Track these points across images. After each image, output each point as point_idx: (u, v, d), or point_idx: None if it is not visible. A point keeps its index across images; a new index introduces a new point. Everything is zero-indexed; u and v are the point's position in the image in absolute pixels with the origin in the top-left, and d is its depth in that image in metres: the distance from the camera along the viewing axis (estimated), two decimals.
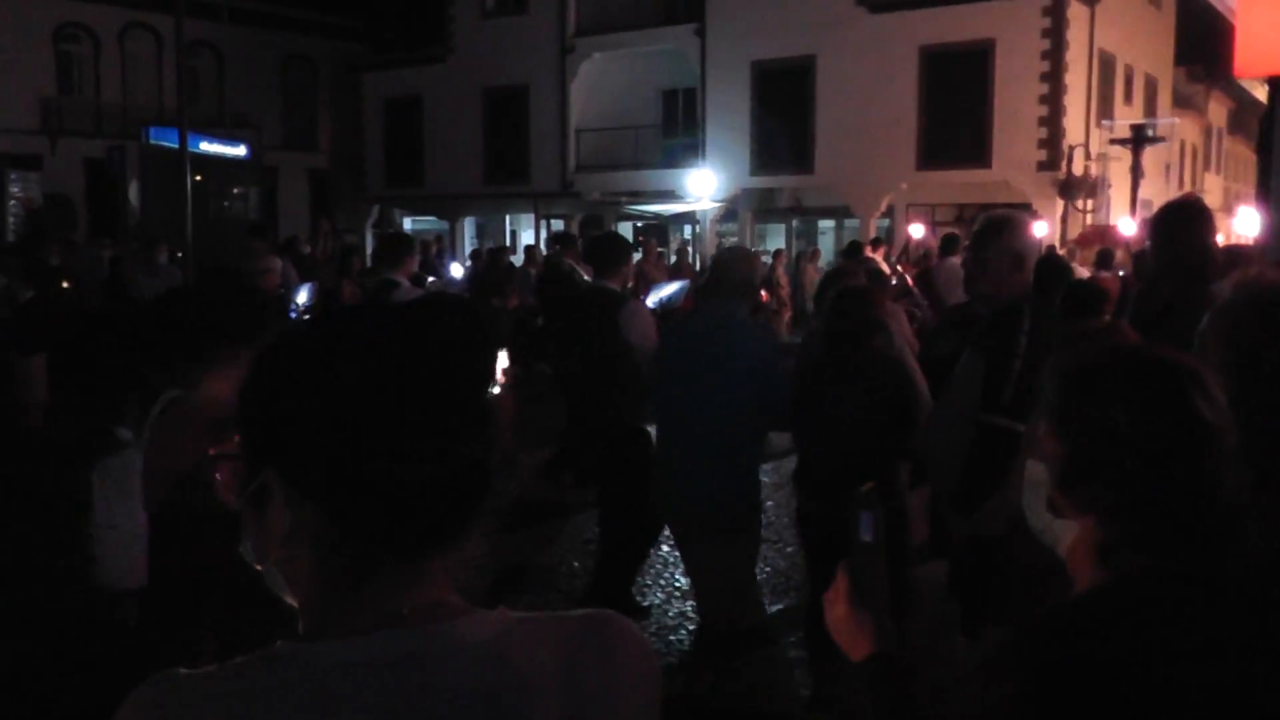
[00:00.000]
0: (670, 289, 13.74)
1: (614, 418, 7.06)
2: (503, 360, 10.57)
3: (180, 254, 17.55)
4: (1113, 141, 31.73)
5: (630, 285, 8.46)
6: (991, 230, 4.84)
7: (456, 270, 16.07)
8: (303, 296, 12.13)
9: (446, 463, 1.31)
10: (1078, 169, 29.93)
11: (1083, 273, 12.28)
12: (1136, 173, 30.40)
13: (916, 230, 23.66)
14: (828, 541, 5.44)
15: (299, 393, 1.32)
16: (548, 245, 21.41)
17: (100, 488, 4.40)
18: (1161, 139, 32.88)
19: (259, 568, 1.43)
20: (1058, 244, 23.67)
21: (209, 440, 2.61)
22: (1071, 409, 1.91)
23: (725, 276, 5.98)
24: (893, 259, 16.77)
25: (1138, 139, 31.01)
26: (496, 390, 4.99)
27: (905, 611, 5.87)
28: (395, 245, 9.82)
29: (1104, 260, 15.46)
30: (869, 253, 16.23)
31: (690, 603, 7.31)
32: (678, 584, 8.07)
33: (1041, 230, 20.91)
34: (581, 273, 10.45)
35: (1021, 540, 2.45)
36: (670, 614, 7.59)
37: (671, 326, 7.38)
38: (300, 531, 1.34)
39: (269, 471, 1.33)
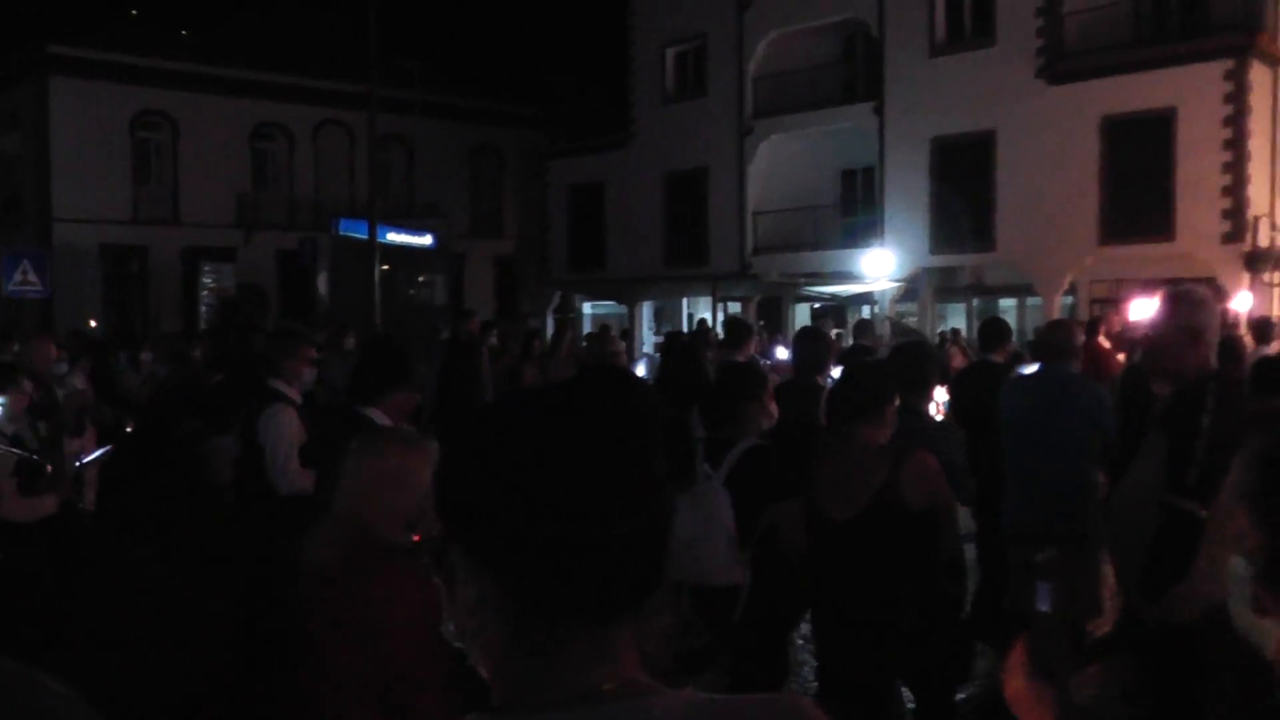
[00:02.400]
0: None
1: None
2: None
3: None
4: None
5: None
6: (1171, 306, 4.87)
7: (781, 352, 15.40)
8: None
9: (614, 530, 1.35)
10: (1264, 240, 28.71)
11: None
12: None
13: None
14: None
15: (473, 467, 1.40)
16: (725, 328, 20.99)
17: None
18: None
19: (458, 644, 1.51)
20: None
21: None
22: (1275, 500, 1.81)
23: (1052, 341, 7.17)
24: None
25: None
26: None
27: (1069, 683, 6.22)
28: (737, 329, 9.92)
29: (1263, 333, 14.24)
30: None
31: None
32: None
33: (1244, 303, 21.30)
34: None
35: (1221, 635, 2.38)
36: None
37: (1019, 384, 7.85)
38: (484, 603, 1.41)
39: (455, 546, 1.42)
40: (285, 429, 6.62)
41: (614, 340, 14.10)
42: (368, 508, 3.80)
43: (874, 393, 5.36)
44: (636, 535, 1.37)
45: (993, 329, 10.35)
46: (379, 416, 5.92)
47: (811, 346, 8.35)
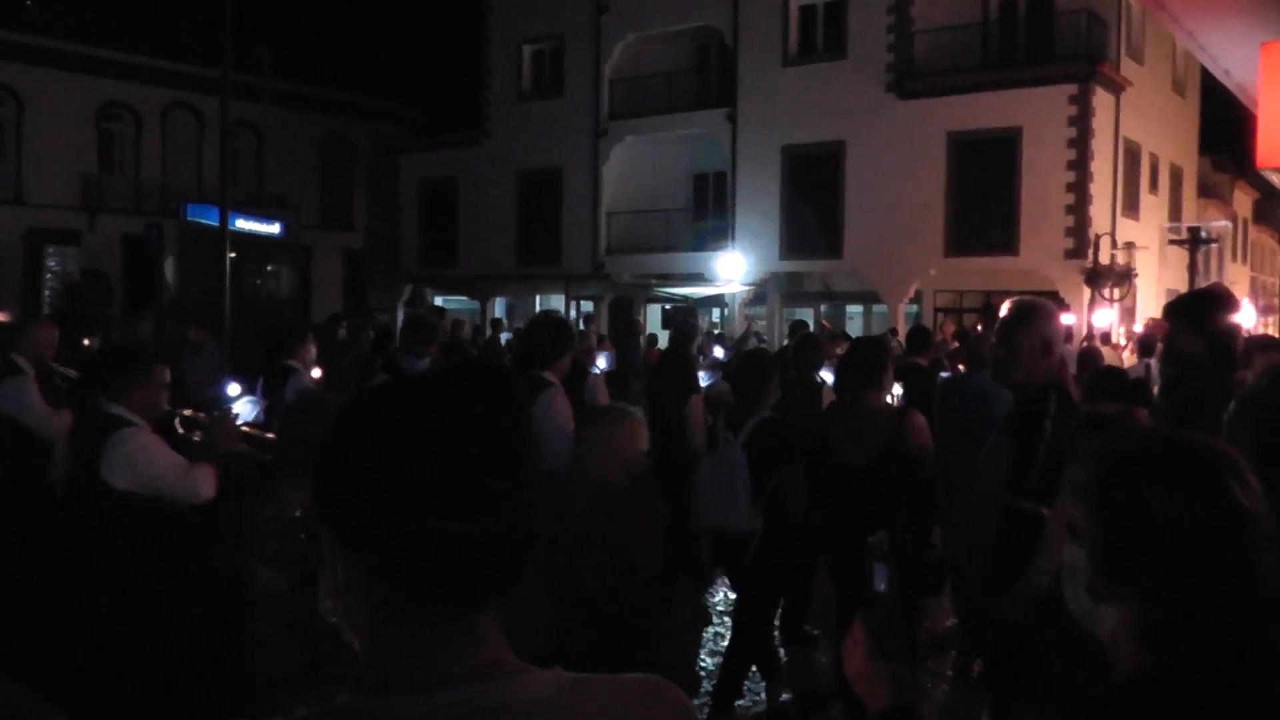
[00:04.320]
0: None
1: None
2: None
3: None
4: (1172, 243, 32.01)
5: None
6: (1021, 317, 4.88)
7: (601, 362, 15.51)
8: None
9: (478, 521, 1.35)
10: (1104, 258, 29.37)
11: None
12: (1194, 270, 30.34)
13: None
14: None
15: (343, 453, 1.40)
16: (585, 325, 21.37)
17: None
18: (1215, 240, 33.02)
19: (332, 620, 1.49)
20: (1084, 333, 23.20)
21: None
22: (1108, 495, 1.87)
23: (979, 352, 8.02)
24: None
25: (1194, 240, 31.18)
26: None
27: (916, 663, 7.16)
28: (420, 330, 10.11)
29: (1146, 348, 15.17)
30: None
31: None
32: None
33: (1068, 320, 21.01)
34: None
35: (1057, 624, 2.46)
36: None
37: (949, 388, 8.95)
38: (353, 586, 1.41)
39: (325, 529, 1.42)
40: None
41: (589, 336, 14.25)
42: (604, 466, 4.70)
43: (877, 363, 6.34)
44: (503, 529, 1.37)
45: (918, 335, 12.17)
46: (551, 377, 6.73)
47: (811, 350, 9.15)
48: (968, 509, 5.11)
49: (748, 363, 7.50)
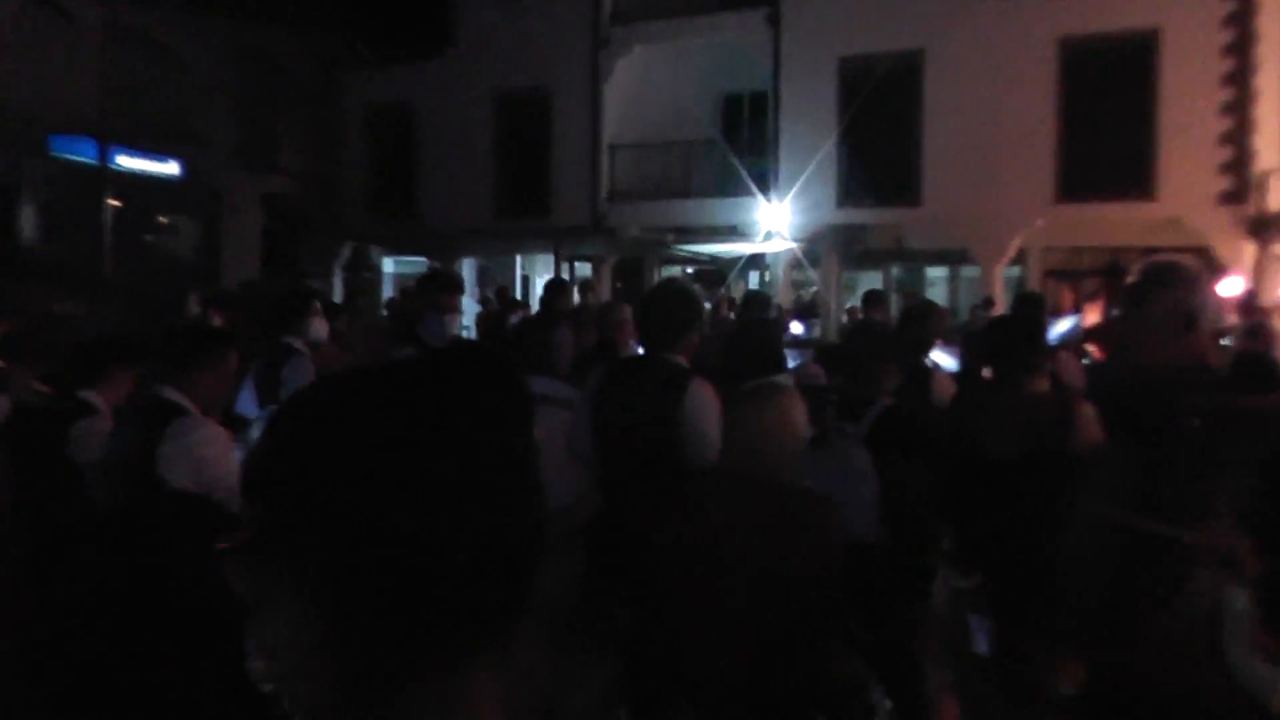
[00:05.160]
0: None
1: None
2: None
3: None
4: None
5: None
6: (1153, 281, 4.43)
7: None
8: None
9: (469, 549, 1.25)
10: (1274, 203, 25.19)
11: None
12: None
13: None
14: None
15: (293, 466, 1.28)
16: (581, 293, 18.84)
17: None
18: None
19: (266, 688, 1.33)
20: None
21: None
22: None
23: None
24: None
25: None
26: None
27: None
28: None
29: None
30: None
31: None
32: None
33: (1234, 287, 18.84)
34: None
35: (1209, 688, 2.32)
36: None
37: None
38: (301, 636, 1.27)
39: (266, 557, 1.28)
40: None
41: (622, 308, 11.35)
42: (758, 458, 4.44)
43: (1037, 346, 6.14)
44: (502, 557, 1.27)
45: (1028, 304, 12.23)
46: (684, 361, 6.46)
47: (920, 326, 8.61)
48: (1077, 531, 4.48)
49: (861, 339, 7.51)
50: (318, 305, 8.82)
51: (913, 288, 29.75)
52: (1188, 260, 4.59)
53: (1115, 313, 10.76)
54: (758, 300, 13.15)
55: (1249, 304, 15.73)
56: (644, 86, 32.46)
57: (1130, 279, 4.53)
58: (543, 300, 12.86)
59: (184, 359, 5.50)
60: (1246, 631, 1.83)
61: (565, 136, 33.38)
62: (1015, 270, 28.92)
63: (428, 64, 35.31)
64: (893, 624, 6.04)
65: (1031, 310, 11.47)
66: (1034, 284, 27.28)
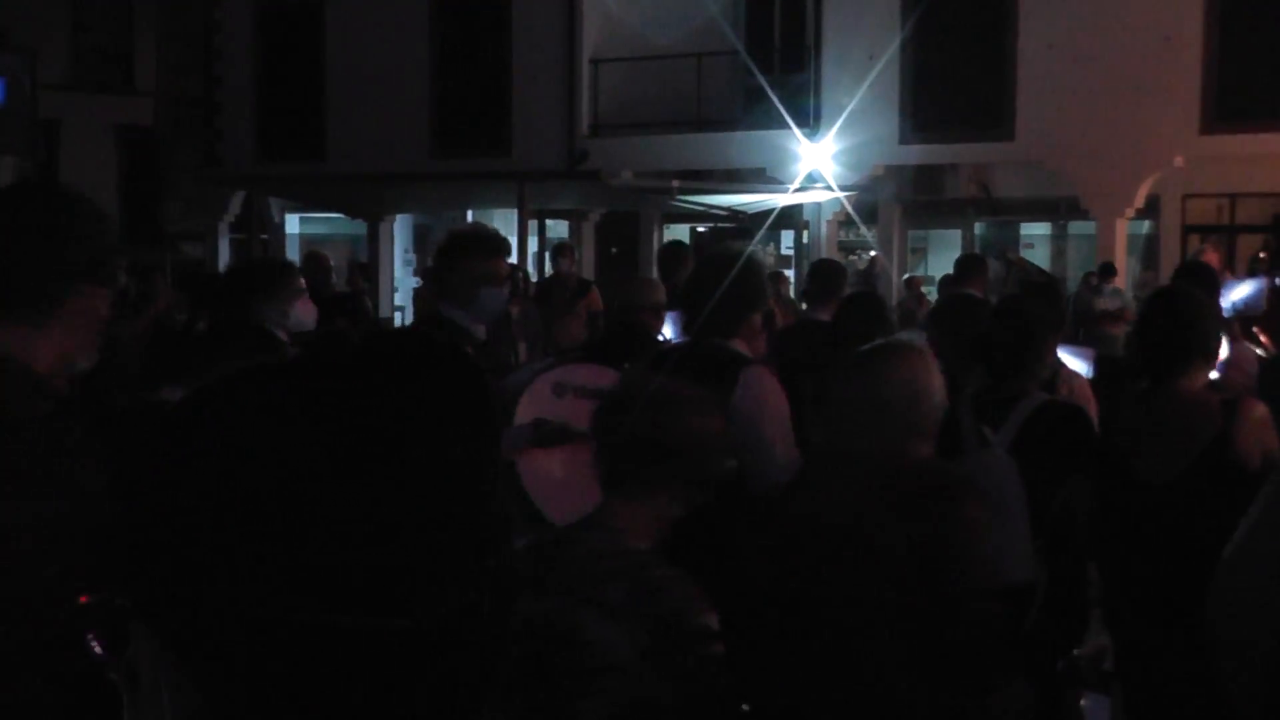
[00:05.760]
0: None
1: None
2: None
3: None
4: None
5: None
6: None
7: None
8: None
9: (406, 613, 1.12)
10: None
11: None
12: None
13: None
14: None
15: (168, 501, 1.16)
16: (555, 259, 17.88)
17: None
18: None
19: None
20: None
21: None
22: None
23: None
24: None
25: None
26: None
27: None
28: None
29: None
30: None
31: None
32: None
33: None
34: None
35: None
36: None
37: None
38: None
39: (140, 628, 1.24)
40: None
41: (654, 286, 10.54)
42: (890, 435, 4.32)
43: (1204, 331, 5.55)
44: (450, 622, 1.15)
45: (1197, 274, 10.22)
46: (743, 348, 6.23)
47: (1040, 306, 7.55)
48: (1237, 592, 4.04)
49: (1007, 314, 6.48)
50: (300, 281, 8.22)
51: (999, 244, 26.95)
52: None
53: None
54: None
55: None
56: None
57: None
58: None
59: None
60: None
61: (530, 48, 28.79)
62: (1144, 225, 26.07)
63: None
64: (1045, 680, 5.54)
65: (1202, 285, 9.03)
66: (1169, 243, 25.15)
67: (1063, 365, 7.53)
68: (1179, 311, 5.40)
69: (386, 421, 1.12)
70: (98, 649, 1.21)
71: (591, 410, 5.23)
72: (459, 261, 7.28)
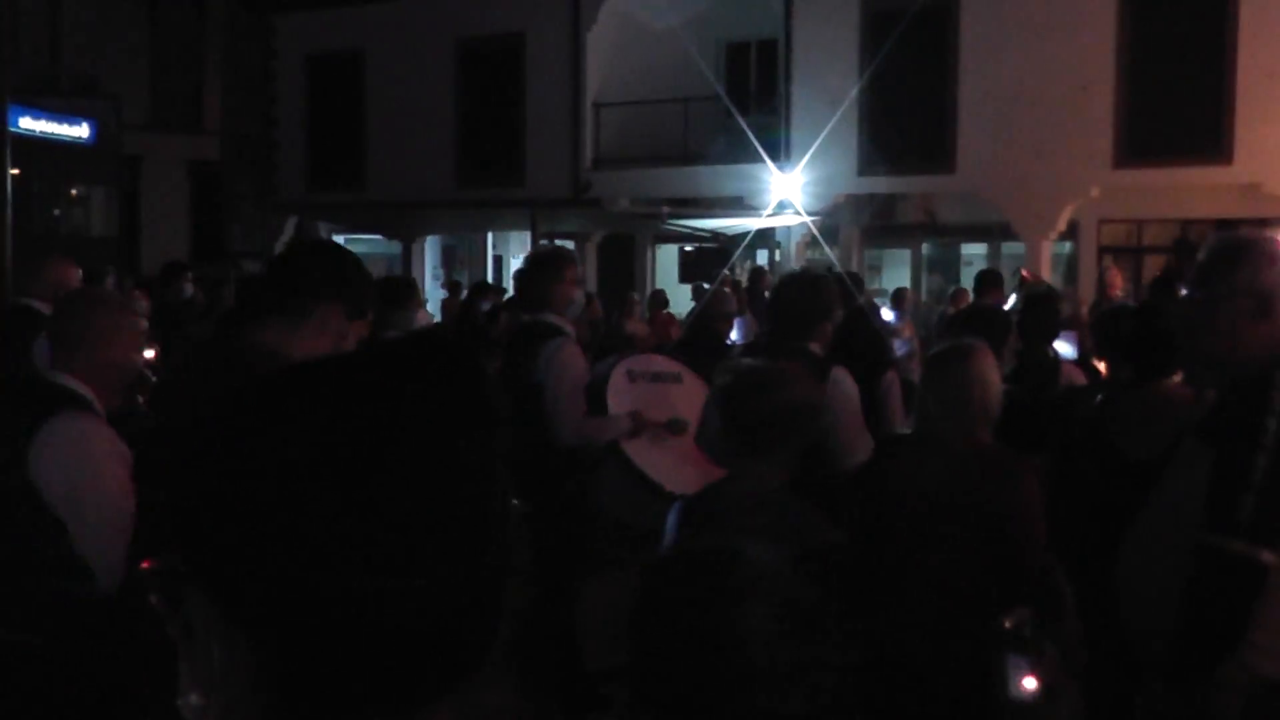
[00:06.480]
0: None
1: None
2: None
3: None
4: None
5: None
6: (1223, 259, 4.22)
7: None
8: None
9: (417, 580, 1.16)
10: None
11: None
12: None
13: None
14: None
15: (213, 481, 1.21)
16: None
17: None
18: None
19: None
20: None
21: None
22: None
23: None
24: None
25: None
26: None
27: None
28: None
29: None
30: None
31: None
32: None
33: None
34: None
35: None
36: None
37: None
38: (231, 676, 1.22)
39: (194, 588, 1.23)
40: None
41: (727, 298, 12.12)
42: (962, 421, 4.79)
43: (1177, 341, 5.54)
44: (454, 590, 1.19)
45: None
46: (818, 350, 6.81)
47: (1044, 314, 8.35)
48: (1140, 551, 4.35)
49: (978, 320, 7.30)
50: (421, 295, 8.56)
51: (941, 264, 29.57)
52: (1260, 236, 4.52)
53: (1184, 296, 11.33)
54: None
55: None
56: (632, 33, 30.10)
57: (1200, 257, 4.41)
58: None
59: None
60: None
61: (541, 92, 31.08)
62: (1066, 246, 27.41)
63: (379, 4, 32.81)
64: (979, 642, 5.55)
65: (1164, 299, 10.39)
66: (1087, 262, 26.11)
67: (1064, 360, 8.40)
68: (1164, 327, 5.80)
69: (399, 412, 1.19)
70: (158, 605, 1.25)
71: (664, 390, 7.02)
72: (552, 272, 8.01)
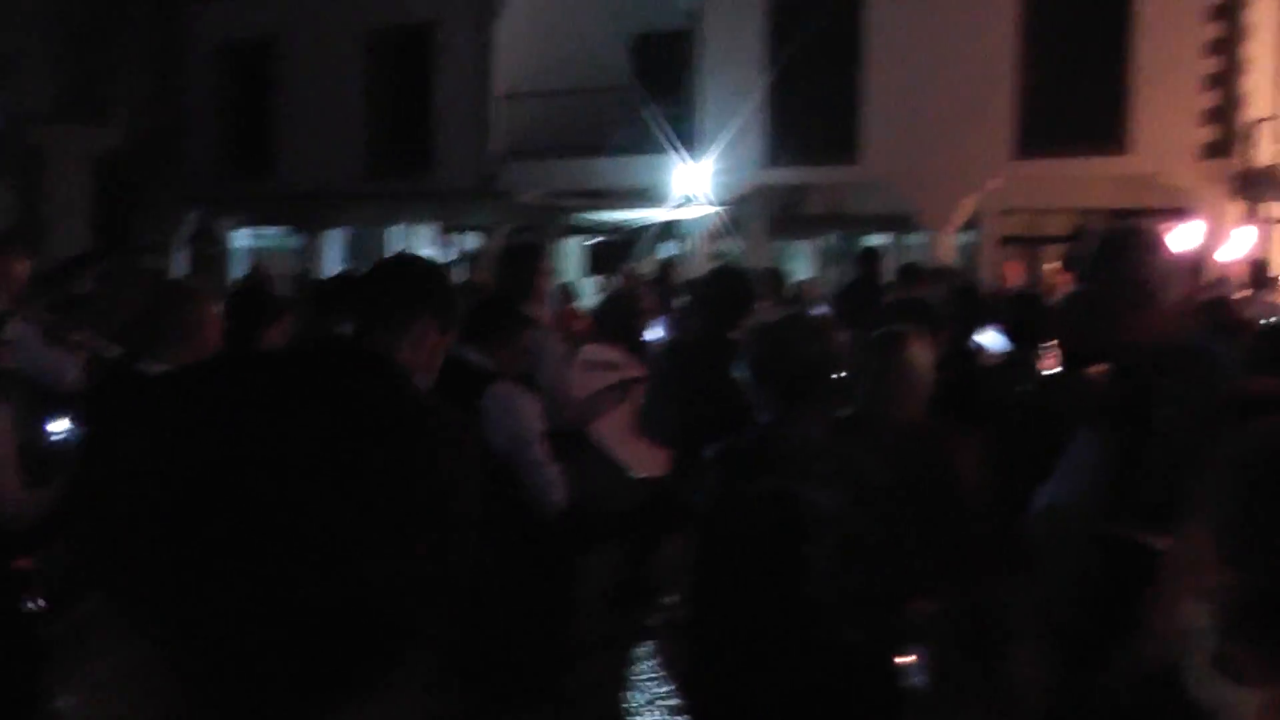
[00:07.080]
0: None
1: None
2: None
3: None
4: None
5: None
6: (1110, 249, 4.55)
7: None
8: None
9: (326, 588, 1.12)
10: (1264, 156, 23.92)
11: None
12: None
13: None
14: None
15: (108, 481, 1.19)
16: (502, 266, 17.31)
17: None
18: None
19: None
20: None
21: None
22: (1260, 523, 1.75)
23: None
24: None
25: None
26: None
27: None
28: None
29: (1258, 277, 14.90)
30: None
31: None
32: None
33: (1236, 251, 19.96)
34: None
35: (1173, 709, 2.38)
36: None
37: None
38: (135, 676, 1.19)
39: (95, 589, 1.22)
40: None
41: (641, 296, 12.32)
42: (904, 401, 4.88)
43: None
44: (356, 597, 1.14)
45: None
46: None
47: (969, 305, 8.97)
48: (1040, 539, 4.54)
49: (911, 312, 7.20)
50: None
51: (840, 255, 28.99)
52: (1141, 226, 4.95)
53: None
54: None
55: (1259, 274, 15.51)
56: (542, 24, 30.17)
57: (1089, 249, 4.65)
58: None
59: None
60: (1208, 650, 1.60)
61: (450, 82, 31.02)
62: (967, 237, 27.45)
63: None
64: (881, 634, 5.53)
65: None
66: (989, 251, 26.31)
67: (982, 348, 8.63)
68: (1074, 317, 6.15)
69: (303, 411, 1.17)
70: (33, 605, 1.24)
71: (617, 377, 7.31)
72: (532, 264, 8.24)
